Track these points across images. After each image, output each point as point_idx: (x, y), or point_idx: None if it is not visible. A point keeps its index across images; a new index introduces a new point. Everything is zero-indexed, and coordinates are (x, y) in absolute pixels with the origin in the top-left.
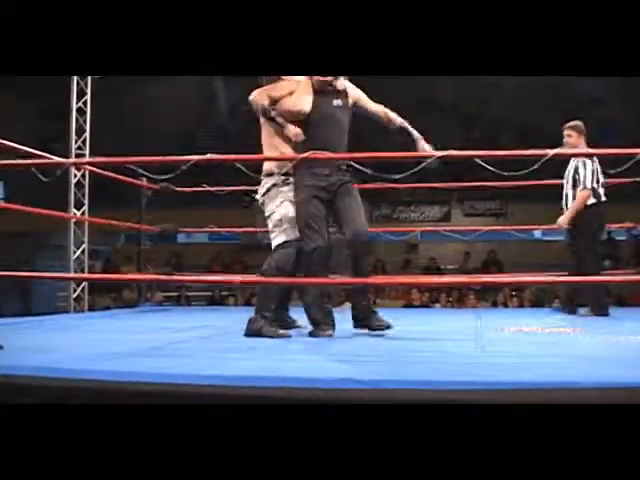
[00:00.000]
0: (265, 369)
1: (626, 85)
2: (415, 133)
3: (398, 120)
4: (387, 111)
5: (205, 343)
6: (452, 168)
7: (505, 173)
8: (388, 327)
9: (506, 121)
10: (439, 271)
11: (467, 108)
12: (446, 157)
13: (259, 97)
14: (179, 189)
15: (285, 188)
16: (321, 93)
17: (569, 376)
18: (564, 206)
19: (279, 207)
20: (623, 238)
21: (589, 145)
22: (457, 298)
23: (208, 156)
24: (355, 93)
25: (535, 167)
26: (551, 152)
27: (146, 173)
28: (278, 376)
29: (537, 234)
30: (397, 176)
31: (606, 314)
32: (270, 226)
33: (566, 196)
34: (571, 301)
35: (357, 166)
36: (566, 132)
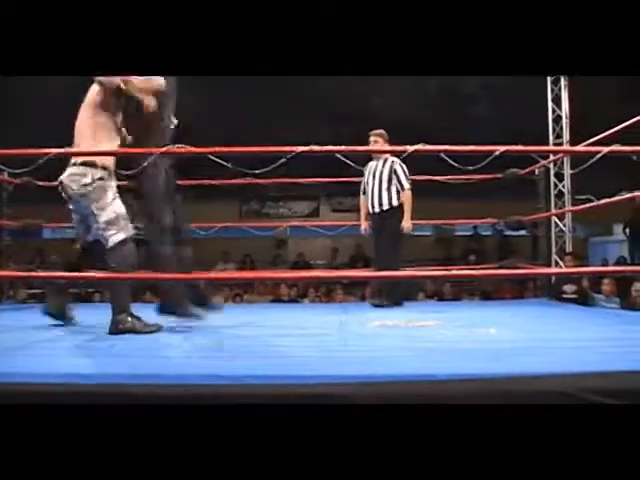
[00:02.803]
0: (130, 366)
1: (498, 83)
2: None
3: None
4: None
5: (65, 341)
6: (320, 164)
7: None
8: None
9: (378, 118)
10: (308, 266)
11: (338, 106)
12: (308, 152)
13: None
14: (41, 183)
15: (113, 182)
16: None
17: (426, 368)
18: (373, 205)
19: (112, 204)
20: (488, 233)
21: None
22: (325, 293)
23: (64, 149)
24: None
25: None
26: (410, 148)
27: (3, 167)
28: (144, 373)
29: None
30: (259, 171)
31: (400, 304)
32: (102, 220)
33: (379, 195)
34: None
35: (220, 161)
36: (372, 139)
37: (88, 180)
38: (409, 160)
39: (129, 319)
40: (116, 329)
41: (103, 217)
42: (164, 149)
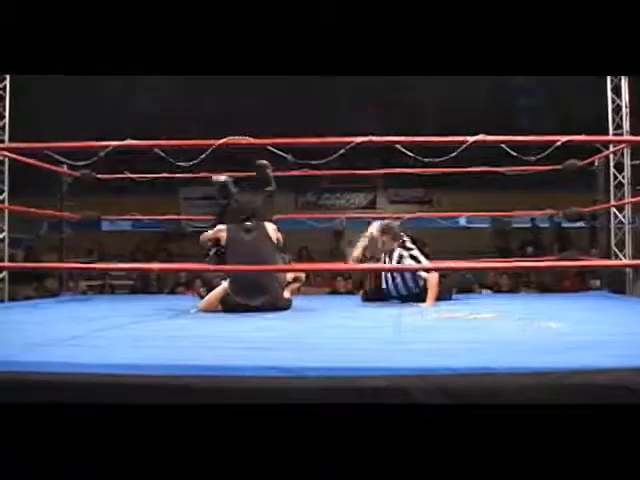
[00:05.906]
0: (183, 357)
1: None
2: None
3: None
4: None
5: (123, 331)
6: (379, 155)
7: (426, 160)
8: None
9: (428, 108)
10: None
11: (389, 95)
12: (367, 143)
13: None
14: (100, 176)
15: None
16: None
17: (484, 362)
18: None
19: None
20: (546, 225)
21: None
22: None
23: (127, 142)
24: None
25: (455, 154)
26: (471, 139)
27: (62, 159)
28: (198, 365)
29: (462, 221)
30: (316, 162)
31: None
32: None
33: (404, 283)
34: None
35: (279, 152)
36: (380, 239)
37: None
38: (464, 151)
39: None
40: None
41: None
42: (226, 140)
